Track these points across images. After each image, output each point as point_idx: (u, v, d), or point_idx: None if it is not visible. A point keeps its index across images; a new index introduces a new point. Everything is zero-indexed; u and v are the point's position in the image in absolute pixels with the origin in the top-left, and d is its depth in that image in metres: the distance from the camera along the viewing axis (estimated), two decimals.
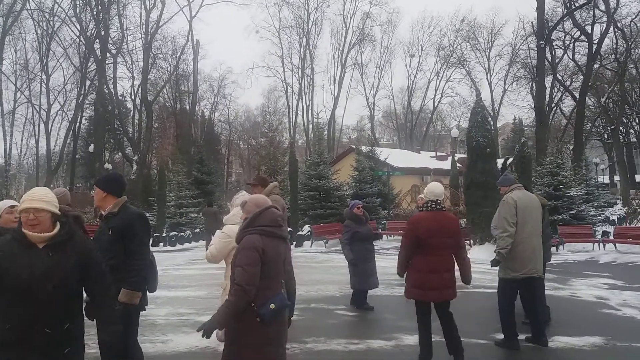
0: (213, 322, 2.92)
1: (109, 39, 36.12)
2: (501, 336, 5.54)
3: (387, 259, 13.21)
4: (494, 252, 5.43)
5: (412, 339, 5.74)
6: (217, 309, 3.02)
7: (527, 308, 5.64)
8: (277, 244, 3.14)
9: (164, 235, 20.46)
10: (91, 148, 35.57)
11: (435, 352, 4.90)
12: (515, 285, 5.41)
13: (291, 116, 52.00)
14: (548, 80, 31.01)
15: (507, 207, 5.37)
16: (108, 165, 35.57)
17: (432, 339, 4.89)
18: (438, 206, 4.85)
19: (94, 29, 36.06)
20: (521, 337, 5.57)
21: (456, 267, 4.86)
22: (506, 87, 46.30)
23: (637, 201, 23.22)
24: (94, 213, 19.98)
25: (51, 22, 38.29)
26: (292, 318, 6.72)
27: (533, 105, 31.06)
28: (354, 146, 30.73)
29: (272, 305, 3.00)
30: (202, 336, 2.89)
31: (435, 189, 4.98)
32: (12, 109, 44.68)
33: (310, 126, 48.43)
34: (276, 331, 3.08)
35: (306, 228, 18.86)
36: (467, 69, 49.98)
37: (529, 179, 16.09)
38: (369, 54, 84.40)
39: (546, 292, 8.56)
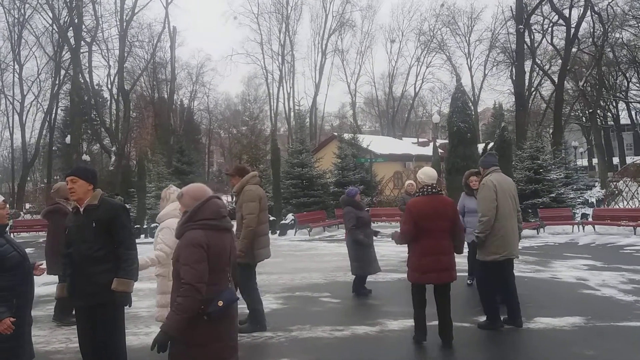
0: (165, 332, 2.76)
1: (83, 26, 35.27)
2: (482, 318, 5.61)
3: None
4: (473, 234, 5.52)
5: (397, 324, 5.79)
6: (166, 316, 2.85)
7: (504, 289, 5.68)
8: (221, 237, 2.99)
9: (144, 226, 20.22)
10: (68, 139, 34.82)
11: (431, 336, 4.98)
12: (495, 267, 5.47)
13: (272, 104, 51.70)
14: (527, 65, 31.23)
15: (487, 191, 5.41)
16: (86, 157, 34.90)
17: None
18: (433, 190, 4.95)
19: (67, 17, 35.17)
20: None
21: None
22: (486, 72, 46.71)
23: (614, 183, 23.66)
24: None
25: (22, 10, 37.24)
26: (273, 307, 6.73)
27: (513, 90, 31.28)
28: (336, 133, 30.66)
29: (220, 302, 2.86)
30: (158, 352, 2.76)
31: (429, 172, 5.12)
32: None
33: (292, 114, 48.17)
34: (225, 326, 2.96)
35: (289, 217, 18.81)
36: (448, 54, 50.23)
37: (510, 163, 16.24)
38: (350, 40, 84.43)
39: (527, 274, 8.75)
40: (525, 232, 14.22)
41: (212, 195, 3.07)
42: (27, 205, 36.69)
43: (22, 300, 3.42)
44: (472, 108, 32.91)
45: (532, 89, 35.47)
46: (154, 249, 4.51)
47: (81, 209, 3.77)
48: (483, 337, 5.39)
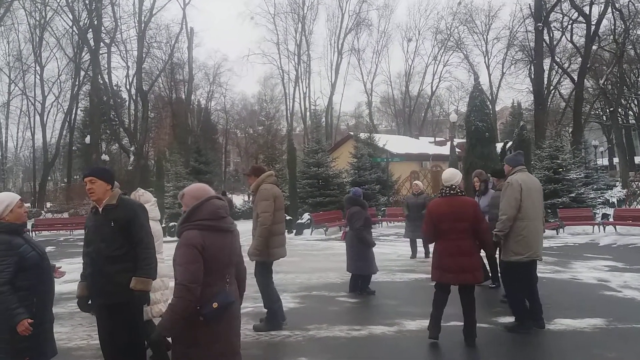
0: (160, 331, 2.81)
1: (102, 28, 35.75)
2: (502, 319, 5.56)
3: (387, 245, 13.23)
4: (493, 232, 5.43)
5: (414, 324, 5.76)
6: (162, 315, 2.88)
7: (527, 290, 5.60)
8: (219, 238, 2.95)
9: (163, 226, 20.41)
10: (87, 139, 35.36)
11: (449, 336, 4.98)
12: (519, 268, 5.39)
13: (288, 104, 51.79)
14: (546, 63, 30.84)
15: (512, 190, 5.31)
16: (105, 157, 35.40)
17: (445, 324, 4.97)
18: (452, 191, 4.98)
19: (86, 19, 35.69)
20: (511, 319, 5.61)
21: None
22: (504, 71, 46.11)
23: (636, 183, 23.23)
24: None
25: (43, 12, 37.86)
26: (291, 306, 6.75)
27: (531, 89, 30.92)
28: (352, 133, 30.61)
29: (215, 304, 2.84)
30: (153, 349, 2.81)
31: (447, 174, 5.16)
32: (7, 101, 44.45)
33: (308, 113, 48.23)
34: (224, 327, 2.94)
35: (306, 216, 18.84)
36: (465, 52, 49.72)
37: (529, 163, 16.06)
38: (366, 39, 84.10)
39: (547, 275, 8.64)
40: (545, 232, 13.98)
41: (212, 196, 3.03)
42: (48, 204, 37.27)
43: (42, 299, 3.48)
44: (490, 107, 32.57)
45: (551, 87, 35.02)
46: None
47: (100, 209, 3.81)
48: (503, 338, 5.33)
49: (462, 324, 5.01)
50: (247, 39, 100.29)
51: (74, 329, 5.97)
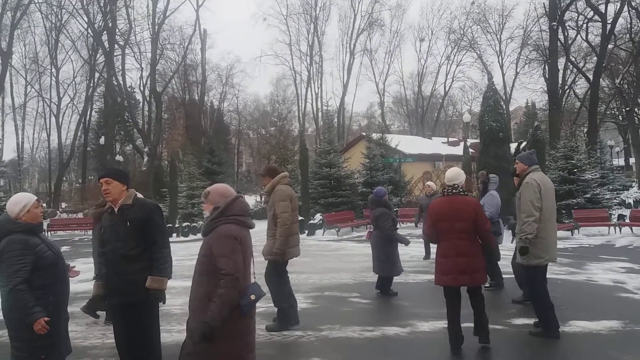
0: (211, 323, 2.83)
1: (117, 30, 36.18)
2: (517, 321, 5.50)
3: (399, 247, 13.16)
4: (519, 238, 5.22)
5: (427, 326, 5.74)
6: (210, 308, 2.87)
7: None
8: (247, 233, 3.12)
9: (176, 225, 20.57)
10: (102, 140, 35.75)
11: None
12: (541, 270, 5.27)
13: (300, 104, 51.90)
14: (561, 62, 30.54)
15: (532, 190, 5.14)
16: (119, 158, 35.77)
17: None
18: (454, 190, 4.88)
19: (101, 21, 36.13)
20: (528, 321, 5.56)
21: None
22: (518, 70, 45.70)
23: None
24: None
25: (59, 15, 38.40)
26: (303, 306, 6.75)
27: (546, 88, 30.61)
28: (364, 133, 30.61)
29: (253, 296, 2.95)
30: (204, 343, 2.84)
31: (449, 174, 5.05)
32: (23, 103, 45.12)
33: (320, 114, 48.25)
34: (248, 322, 3.04)
35: (318, 216, 18.84)
36: (478, 52, 49.36)
37: (543, 163, 15.89)
38: (378, 39, 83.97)
39: (562, 276, 8.55)
40: (559, 233, 13.84)
41: (239, 195, 3.20)
42: (63, 205, 37.72)
43: (57, 298, 3.52)
44: (504, 107, 32.29)
45: (566, 87, 34.63)
46: None
47: (116, 209, 3.85)
48: (517, 340, 5.29)
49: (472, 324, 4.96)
50: (260, 40, 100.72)
51: (89, 328, 6.03)
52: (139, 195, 3.99)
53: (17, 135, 47.21)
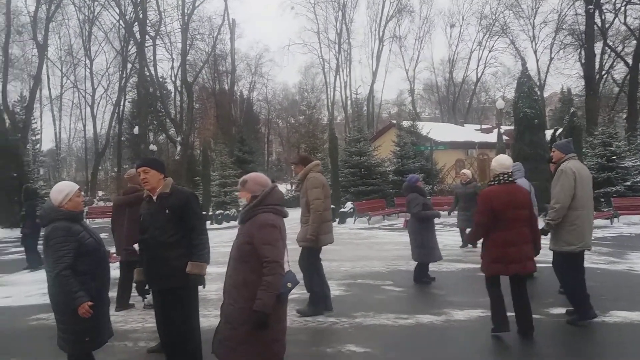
0: (262, 311, 2.88)
1: (147, 21, 36.74)
2: (556, 310, 5.42)
3: None
4: (544, 221, 5.27)
5: (462, 314, 5.69)
6: (258, 296, 2.92)
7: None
8: (283, 222, 3.18)
9: (210, 213, 20.90)
10: (136, 130, 36.49)
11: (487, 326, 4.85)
12: (572, 258, 5.23)
13: (329, 93, 51.70)
14: (598, 47, 29.47)
15: (567, 179, 5.13)
16: (153, 147, 36.43)
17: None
18: (510, 179, 4.82)
19: (132, 12, 36.72)
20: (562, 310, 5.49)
21: None
22: (553, 56, 44.22)
23: None
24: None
25: (91, 7, 39.18)
26: (336, 293, 6.78)
27: (582, 74, 29.66)
28: (394, 121, 30.28)
29: (289, 284, 3.01)
30: (260, 331, 2.93)
31: (503, 161, 4.95)
32: (59, 94, 46.41)
33: (349, 102, 48.07)
34: (283, 308, 3.11)
35: (348, 205, 18.83)
36: (511, 37, 47.94)
37: (580, 150, 15.47)
38: (408, 26, 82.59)
39: (602, 266, 8.34)
40: (598, 222, 13.52)
41: (275, 184, 3.26)
42: (100, 193, 38.76)
43: (99, 283, 3.62)
44: (539, 93, 31.46)
45: (603, 72, 33.42)
46: None
47: (154, 197, 3.93)
48: (555, 329, 5.20)
49: (511, 313, 4.89)
50: (288, 29, 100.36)
51: (129, 312, 6.20)
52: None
53: (54, 125, 48.72)
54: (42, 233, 9.64)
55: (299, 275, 5.73)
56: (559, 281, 5.47)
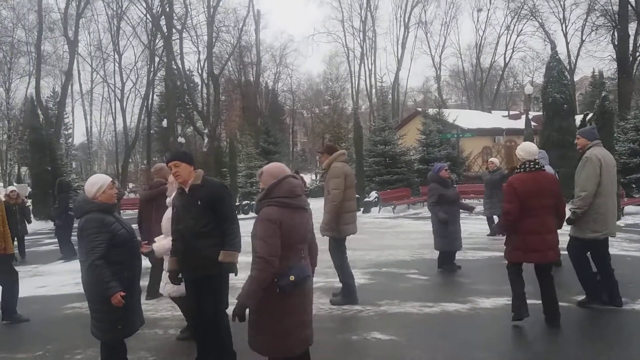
0: (241, 303, 2.94)
1: (174, 15, 37.04)
2: (580, 297, 5.39)
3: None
4: (570, 209, 5.19)
5: (489, 302, 5.67)
6: (242, 287, 2.99)
7: (602, 269, 5.36)
8: (295, 215, 3.09)
9: (237, 204, 21.18)
10: (164, 123, 37.03)
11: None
12: (593, 245, 5.21)
13: (353, 81, 51.34)
14: (631, 28, 28.46)
15: (593, 166, 5.09)
16: (181, 139, 36.98)
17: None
18: (536, 166, 4.76)
19: (159, 6, 37.07)
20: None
21: None
22: (584, 38, 42.96)
23: None
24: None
25: (119, 2, 39.75)
26: (361, 282, 6.83)
27: (614, 56, 28.77)
28: (420, 109, 30.02)
29: (292, 277, 2.98)
30: (237, 321, 2.96)
31: (528, 148, 4.91)
32: (90, 89, 47.48)
33: (374, 91, 47.66)
34: (297, 301, 3.07)
35: (373, 194, 18.81)
36: (540, 20, 46.69)
37: (611, 135, 15.05)
38: (434, 11, 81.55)
39: (632, 253, 8.17)
40: (629, 208, 13.20)
41: (289, 175, 3.18)
42: (130, 185, 39.58)
43: (131, 273, 3.74)
44: (569, 77, 30.69)
45: (637, 53, 32.34)
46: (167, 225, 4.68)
47: (186, 189, 4.03)
48: (582, 317, 5.16)
49: (539, 301, 4.86)
50: (312, 18, 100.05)
51: (159, 301, 6.37)
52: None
53: (85, 120, 49.98)
54: (75, 225, 9.86)
55: (326, 264, 5.82)
56: (573, 267, 5.41)
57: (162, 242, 4.60)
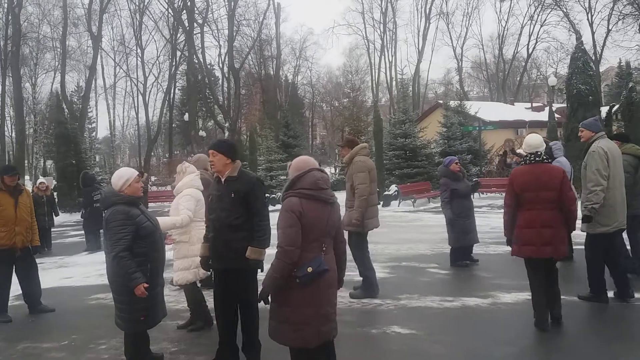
0: (263, 288, 3.09)
1: (195, 9, 37.25)
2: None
3: (480, 218, 12.80)
4: (584, 207, 5.09)
5: (510, 297, 5.63)
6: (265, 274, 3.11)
7: (611, 262, 5.29)
8: (317, 207, 3.11)
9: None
10: (186, 117, 37.42)
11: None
12: (604, 239, 5.13)
13: (373, 74, 51.01)
14: None
15: (600, 159, 5.02)
16: (202, 133, 37.28)
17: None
18: (537, 158, 4.67)
19: (180, 1, 37.32)
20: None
21: None
22: (610, 28, 41.93)
23: None
24: None
25: None
26: (381, 275, 6.82)
27: None
28: (441, 101, 29.69)
29: (309, 269, 3.02)
30: (265, 304, 3.16)
31: (530, 141, 4.89)
32: (113, 83, 48.15)
33: (394, 83, 47.31)
34: (317, 293, 3.09)
35: (393, 188, 18.73)
36: (565, 10, 45.70)
37: (638, 127, 14.70)
38: (455, 2, 79.69)
39: None
40: None
41: (313, 167, 3.21)
42: (153, 178, 40.11)
43: (155, 265, 3.81)
44: (594, 68, 30.01)
45: None
46: (174, 214, 4.90)
47: (222, 180, 4.07)
48: (588, 312, 5.10)
49: (562, 297, 4.80)
50: (332, 10, 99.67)
51: (181, 293, 6.40)
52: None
53: (108, 114, 50.71)
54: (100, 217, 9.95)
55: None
56: (586, 258, 5.33)
57: (168, 220, 4.78)
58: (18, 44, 32.33)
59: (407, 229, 11.82)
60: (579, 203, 4.85)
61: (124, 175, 3.87)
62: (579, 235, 5.69)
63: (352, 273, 6.11)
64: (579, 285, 5.55)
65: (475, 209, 7.89)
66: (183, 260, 4.91)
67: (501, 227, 4.98)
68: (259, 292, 3.15)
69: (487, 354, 4.19)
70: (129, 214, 3.71)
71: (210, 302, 4.92)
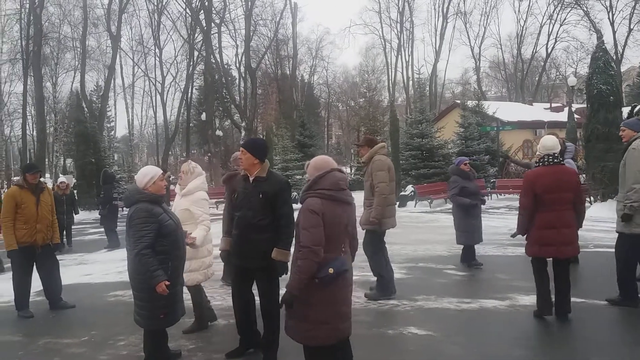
0: (289, 291, 3.06)
1: (213, 9, 37.50)
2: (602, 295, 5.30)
3: (497, 219, 12.75)
4: (622, 205, 5.02)
5: (528, 299, 5.56)
6: (289, 277, 3.09)
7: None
8: (338, 208, 3.12)
9: None
10: (203, 116, 37.66)
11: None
12: (638, 240, 5.02)
13: (390, 74, 50.84)
14: None
15: None
16: (219, 132, 37.50)
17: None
18: (555, 160, 4.68)
19: (198, 1, 37.59)
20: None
21: None
22: (632, 27, 41.33)
23: None
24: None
25: None
26: (398, 276, 6.78)
27: None
28: (458, 101, 29.44)
29: (331, 270, 3.02)
30: (286, 309, 3.13)
31: (546, 142, 4.85)
32: (132, 83, 48.74)
33: (411, 83, 47.10)
34: (336, 292, 3.11)
35: (409, 188, 18.64)
36: (585, 9, 45.06)
37: None
38: (473, 1, 79.62)
39: None
40: None
41: (334, 168, 3.22)
42: (171, 177, 40.48)
43: (176, 263, 3.84)
44: (615, 68, 29.50)
45: None
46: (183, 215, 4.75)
47: (251, 179, 4.06)
48: (613, 316, 5.01)
49: (580, 300, 4.78)
50: (349, 10, 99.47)
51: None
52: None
53: (127, 113, 51.37)
54: (119, 215, 10.07)
55: (361, 258, 5.81)
56: (616, 264, 5.22)
57: (201, 233, 4.70)
58: (39, 43, 32.89)
59: (424, 230, 11.76)
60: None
61: (149, 173, 3.90)
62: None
63: (368, 273, 6.13)
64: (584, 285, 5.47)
65: (493, 210, 7.87)
66: (193, 262, 4.84)
67: None
68: (283, 295, 3.13)
69: (504, 356, 4.15)
70: (152, 211, 3.73)
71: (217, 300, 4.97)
